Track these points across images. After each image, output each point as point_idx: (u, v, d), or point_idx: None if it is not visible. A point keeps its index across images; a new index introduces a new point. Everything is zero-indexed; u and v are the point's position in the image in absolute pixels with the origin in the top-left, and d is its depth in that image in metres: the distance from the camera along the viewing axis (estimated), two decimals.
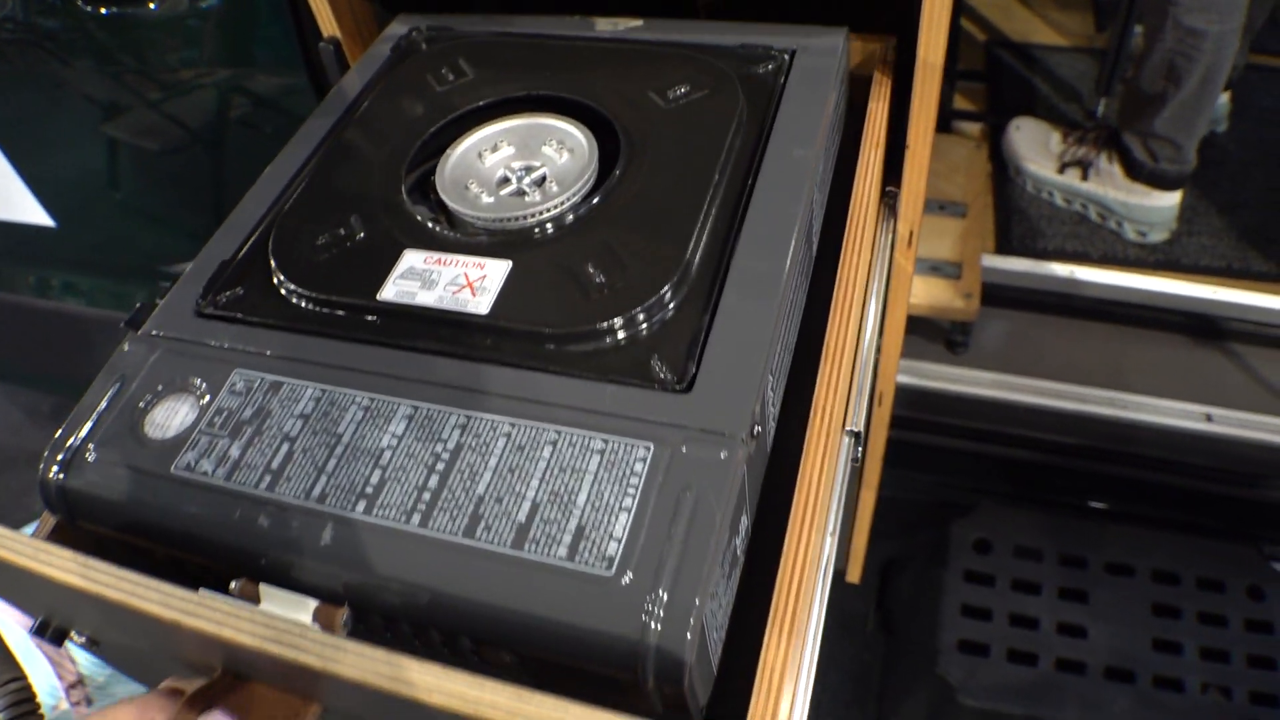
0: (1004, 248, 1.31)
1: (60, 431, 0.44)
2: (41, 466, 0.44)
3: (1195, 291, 1.24)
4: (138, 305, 0.50)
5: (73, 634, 0.47)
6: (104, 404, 0.44)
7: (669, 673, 0.33)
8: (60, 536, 0.47)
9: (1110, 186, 1.28)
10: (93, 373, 0.46)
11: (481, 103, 0.55)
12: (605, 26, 0.61)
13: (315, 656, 0.30)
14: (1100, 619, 1.13)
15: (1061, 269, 1.27)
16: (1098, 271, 1.26)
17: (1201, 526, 1.19)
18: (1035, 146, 1.35)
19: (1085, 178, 1.30)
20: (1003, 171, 1.40)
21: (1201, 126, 1.19)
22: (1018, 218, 1.35)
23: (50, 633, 0.48)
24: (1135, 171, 1.25)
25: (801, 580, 0.39)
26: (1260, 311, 1.22)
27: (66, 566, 0.35)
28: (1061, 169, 1.31)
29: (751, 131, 0.51)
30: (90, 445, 0.43)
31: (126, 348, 0.47)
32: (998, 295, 1.27)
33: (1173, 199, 1.26)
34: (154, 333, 0.47)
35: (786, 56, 0.55)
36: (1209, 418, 1.16)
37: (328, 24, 0.71)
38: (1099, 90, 1.33)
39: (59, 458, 0.43)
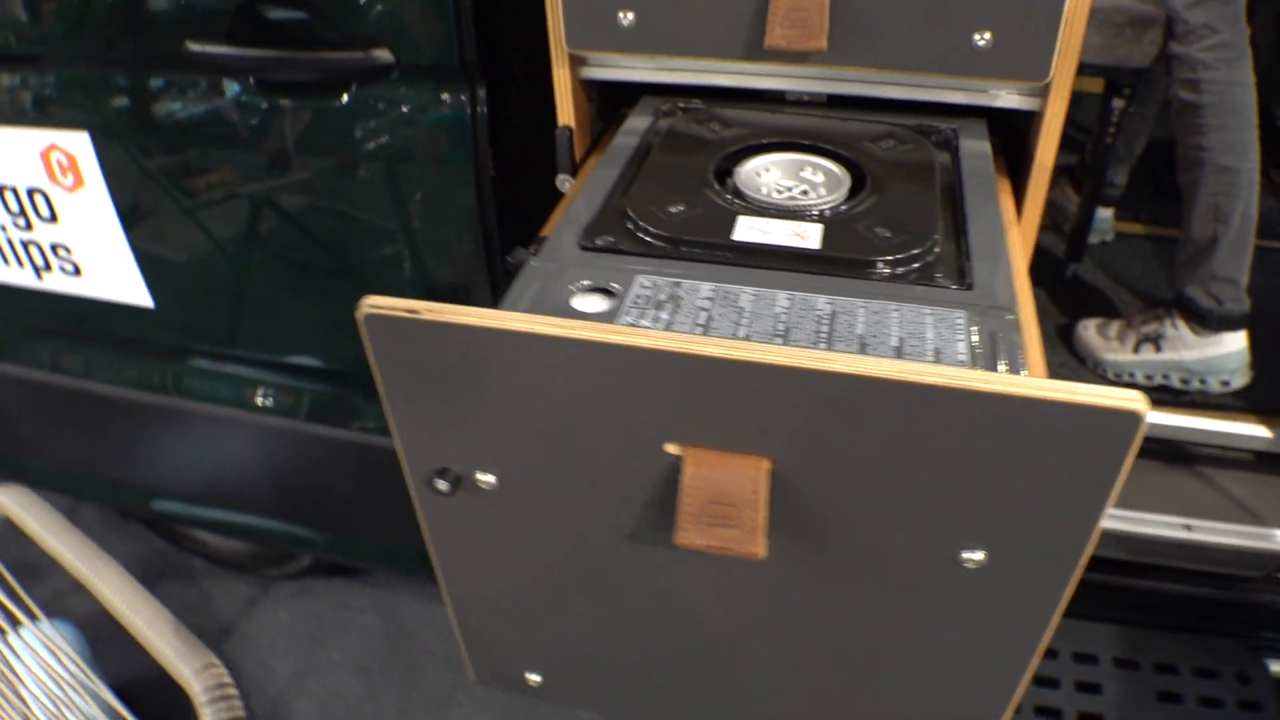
0: None
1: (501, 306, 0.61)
2: None
3: (1167, 420, 1.43)
4: (515, 247, 0.68)
5: (477, 475, 0.61)
6: (535, 292, 0.61)
7: None
8: None
9: (1183, 349, 1.39)
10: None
11: (749, 144, 0.78)
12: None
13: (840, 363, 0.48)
14: (1114, 708, 1.30)
15: None
16: None
17: (1190, 626, 1.38)
18: (1106, 339, 1.48)
19: (1159, 350, 1.41)
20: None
21: (1249, 258, 1.32)
22: None
23: (451, 477, 0.61)
24: (1205, 321, 1.34)
25: None
26: (1220, 435, 1.41)
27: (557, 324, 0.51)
28: (1136, 349, 1.43)
29: (945, 166, 0.76)
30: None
31: (533, 264, 0.64)
32: None
33: (1241, 340, 1.36)
34: (550, 258, 0.65)
35: (951, 130, 0.81)
36: (1188, 528, 1.34)
37: (565, 114, 0.93)
38: (1069, 258, 1.62)
39: None
